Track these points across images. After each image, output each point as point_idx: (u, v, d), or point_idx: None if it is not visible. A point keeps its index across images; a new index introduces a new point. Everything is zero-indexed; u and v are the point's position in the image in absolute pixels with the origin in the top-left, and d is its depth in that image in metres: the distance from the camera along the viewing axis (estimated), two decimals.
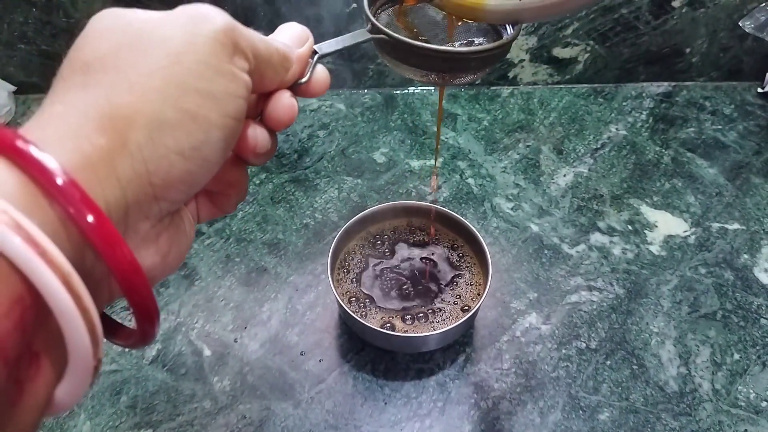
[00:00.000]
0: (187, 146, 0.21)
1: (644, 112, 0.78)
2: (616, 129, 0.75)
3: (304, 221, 0.63)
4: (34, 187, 0.17)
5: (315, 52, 0.29)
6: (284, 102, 0.26)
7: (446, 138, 0.73)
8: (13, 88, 0.76)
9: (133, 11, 0.22)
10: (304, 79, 0.28)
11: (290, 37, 0.28)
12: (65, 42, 0.73)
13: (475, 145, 0.72)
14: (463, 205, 0.65)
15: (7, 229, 0.16)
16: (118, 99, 0.20)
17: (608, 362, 0.51)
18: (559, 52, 0.78)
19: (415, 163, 0.69)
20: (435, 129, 0.74)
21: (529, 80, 0.81)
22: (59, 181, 0.17)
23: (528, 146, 0.72)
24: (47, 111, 0.20)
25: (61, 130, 0.19)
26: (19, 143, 0.18)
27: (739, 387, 0.49)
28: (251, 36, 0.24)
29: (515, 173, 0.69)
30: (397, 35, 0.33)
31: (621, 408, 0.48)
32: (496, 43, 0.35)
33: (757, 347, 0.52)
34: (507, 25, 0.38)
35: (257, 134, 0.26)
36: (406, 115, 0.76)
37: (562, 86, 0.81)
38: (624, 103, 0.79)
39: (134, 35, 0.21)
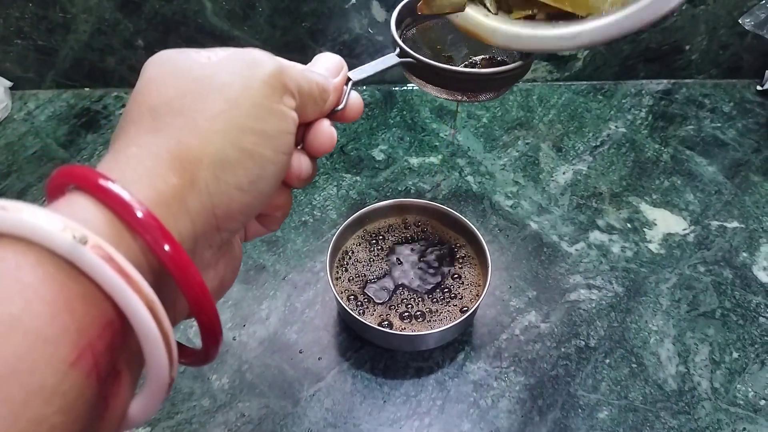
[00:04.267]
0: (246, 181, 0.23)
1: (643, 110, 0.77)
2: (616, 126, 0.75)
3: (303, 218, 0.62)
4: (118, 222, 0.20)
5: (348, 79, 0.31)
6: (324, 131, 0.28)
7: (445, 135, 0.73)
8: (9, 83, 0.75)
9: (187, 54, 0.24)
10: (340, 107, 0.29)
11: (326, 67, 0.30)
12: (61, 37, 0.72)
13: (475, 142, 0.72)
14: (462, 202, 0.65)
15: (102, 261, 0.18)
16: (187, 141, 0.22)
17: (607, 361, 0.51)
18: None
19: (414, 161, 0.69)
20: (434, 126, 0.74)
21: (528, 77, 0.81)
22: (140, 215, 0.20)
23: (527, 144, 0.72)
24: (123, 152, 0.22)
25: (139, 171, 0.21)
26: (102, 182, 0.20)
27: (738, 385, 0.50)
28: (296, 74, 0.26)
29: (514, 171, 0.69)
30: (424, 59, 0.35)
31: (620, 406, 0.48)
32: (520, 63, 0.36)
33: (756, 345, 0.52)
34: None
35: (301, 162, 0.28)
36: (405, 112, 0.76)
37: (561, 83, 0.81)
38: (623, 101, 0.79)
39: (196, 80, 0.23)
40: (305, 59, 0.29)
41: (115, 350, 0.19)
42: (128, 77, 0.77)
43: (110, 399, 0.19)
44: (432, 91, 0.37)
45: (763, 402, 0.48)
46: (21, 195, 0.65)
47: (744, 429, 0.47)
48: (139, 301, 0.18)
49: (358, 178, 0.67)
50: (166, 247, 0.20)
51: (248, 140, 0.23)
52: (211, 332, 0.22)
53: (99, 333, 0.18)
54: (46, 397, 0.16)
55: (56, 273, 0.17)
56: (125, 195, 0.19)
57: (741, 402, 0.49)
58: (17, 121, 0.73)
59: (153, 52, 0.25)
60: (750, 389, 0.49)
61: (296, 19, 0.72)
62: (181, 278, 0.20)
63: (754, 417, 0.48)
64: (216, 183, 0.22)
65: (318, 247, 0.60)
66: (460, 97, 0.37)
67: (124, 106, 0.76)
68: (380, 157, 0.70)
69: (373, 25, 0.73)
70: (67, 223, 0.18)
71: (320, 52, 0.31)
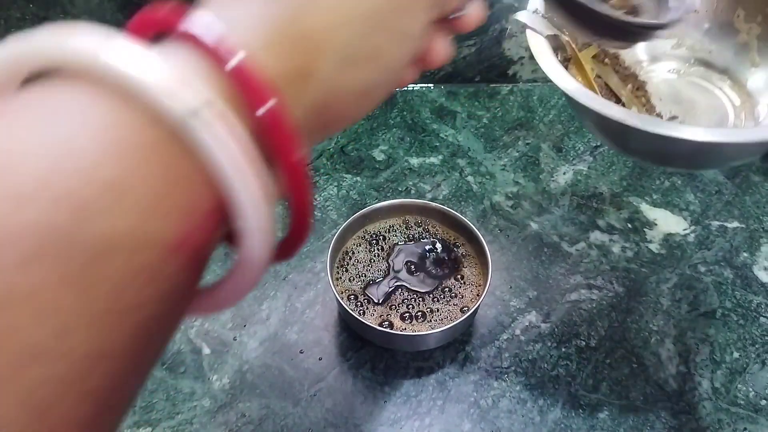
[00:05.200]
0: (362, 87, 0.20)
1: None
2: None
3: None
4: (220, 76, 0.16)
5: None
6: (441, 50, 0.24)
7: (446, 135, 0.73)
8: None
9: None
10: (462, 13, 0.24)
11: None
12: None
13: (475, 142, 0.72)
14: (462, 203, 0.65)
15: (231, 140, 0.15)
16: (309, 21, 0.18)
17: (608, 360, 0.51)
18: None
19: (415, 161, 0.69)
20: (434, 126, 0.74)
21: (529, 77, 0.81)
22: (258, 82, 0.16)
23: (528, 144, 0.72)
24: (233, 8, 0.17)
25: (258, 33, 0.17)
26: (215, 31, 0.16)
27: (739, 385, 0.50)
28: None
29: (515, 171, 0.69)
30: None
31: (620, 406, 0.48)
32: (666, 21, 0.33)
33: (757, 345, 0.52)
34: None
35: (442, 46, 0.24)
36: (405, 113, 0.76)
37: None
38: None
39: None
40: None
41: (213, 241, 0.17)
42: None
43: (194, 293, 0.18)
44: (576, 30, 0.34)
45: (764, 402, 0.48)
46: None
47: (745, 429, 0.47)
48: (261, 195, 0.16)
49: (358, 178, 0.67)
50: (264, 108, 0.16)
51: (380, 38, 0.19)
52: (303, 206, 0.20)
53: (202, 221, 0.16)
54: (144, 280, 0.14)
55: (167, 142, 0.15)
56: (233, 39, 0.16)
57: (742, 402, 0.49)
58: None
59: None
60: (751, 389, 0.49)
61: None
62: (287, 167, 0.17)
63: (755, 417, 0.48)
64: (334, 80, 0.19)
65: (318, 247, 0.60)
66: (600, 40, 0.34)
67: None
68: (380, 157, 0.70)
69: None
70: (186, 79, 0.15)
71: None
